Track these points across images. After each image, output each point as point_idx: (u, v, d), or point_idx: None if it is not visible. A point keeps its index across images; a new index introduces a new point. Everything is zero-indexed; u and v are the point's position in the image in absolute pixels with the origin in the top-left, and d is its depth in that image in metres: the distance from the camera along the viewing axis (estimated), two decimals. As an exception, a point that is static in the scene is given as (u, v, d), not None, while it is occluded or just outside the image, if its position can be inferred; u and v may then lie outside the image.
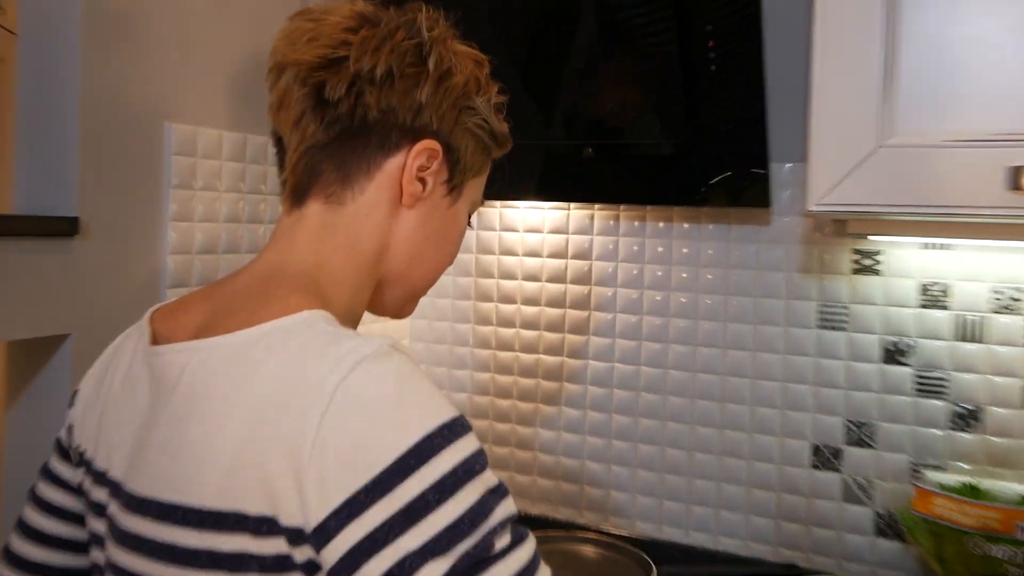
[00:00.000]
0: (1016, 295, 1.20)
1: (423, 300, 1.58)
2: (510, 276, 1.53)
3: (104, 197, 1.02)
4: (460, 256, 1.59)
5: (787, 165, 1.30)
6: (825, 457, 1.31)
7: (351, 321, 0.70)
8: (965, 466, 1.22)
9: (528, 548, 0.55)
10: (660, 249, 1.41)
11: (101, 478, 0.64)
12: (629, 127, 1.29)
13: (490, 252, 1.55)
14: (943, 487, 1.14)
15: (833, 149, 1.01)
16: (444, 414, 0.54)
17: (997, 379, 1.21)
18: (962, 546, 1.09)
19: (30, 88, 1.02)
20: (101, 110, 1.01)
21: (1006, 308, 1.20)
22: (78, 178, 0.99)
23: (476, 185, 0.78)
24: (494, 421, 1.56)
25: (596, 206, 1.45)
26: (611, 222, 1.45)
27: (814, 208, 1.02)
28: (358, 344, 0.56)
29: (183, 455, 0.56)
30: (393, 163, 0.69)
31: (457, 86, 0.70)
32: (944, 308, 1.23)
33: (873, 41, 0.99)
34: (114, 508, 0.61)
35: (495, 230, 1.54)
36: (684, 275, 1.39)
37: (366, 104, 0.66)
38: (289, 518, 0.51)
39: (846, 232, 1.27)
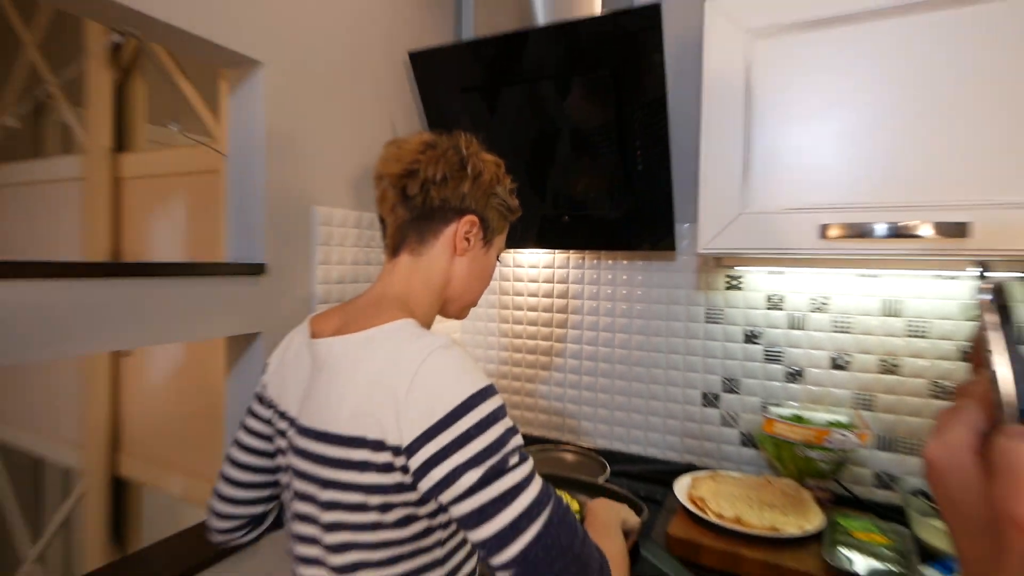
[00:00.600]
0: (824, 300, 1.19)
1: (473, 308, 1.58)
2: (520, 293, 1.53)
3: (279, 250, 1.03)
4: (492, 282, 1.61)
5: (685, 224, 1.30)
6: (710, 399, 1.31)
7: (427, 325, 0.70)
8: (794, 404, 1.22)
9: (529, 464, 0.56)
10: (610, 276, 1.41)
11: (283, 415, 0.66)
12: (591, 203, 1.28)
13: (508, 280, 1.55)
14: (781, 416, 1.14)
15: (713, 215, 1.01)
16: (483, 382, 0.56)
17: (813, 352, 1.21)
18: (792, 452, 1.10)
19: (233, 186, 1.03)
20: (276, 199, 1.02)
21: (818, 308, 1.20)
22: (264, 239, 1.00)
23: (501, 240, 0.78)
24: (511, 380, 1.55)
25: (571, 252, 1.45)
26: (581, 261, 1.44)
27: (701, 251, 1.02)
28: (433, 339, 0.58)
29: (329, 403, 0.59)
30: (450, 230, 0.70)
31: (485, 181, 0.71)
32: (780, 309, 1.23)
33: (736, 150, 0.99)
34: (291, 433, 0.64)
35: (510, 267, 1.54)
36: (624, 292, 1.39)
37: (432, 197, 0.67)
38: (393, 440, 0.54)
39: (721, 265, 1.28)
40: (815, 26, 0.91)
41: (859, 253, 0.90)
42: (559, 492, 1.09)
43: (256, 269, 0.98)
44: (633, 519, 0.84)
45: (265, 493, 0.74)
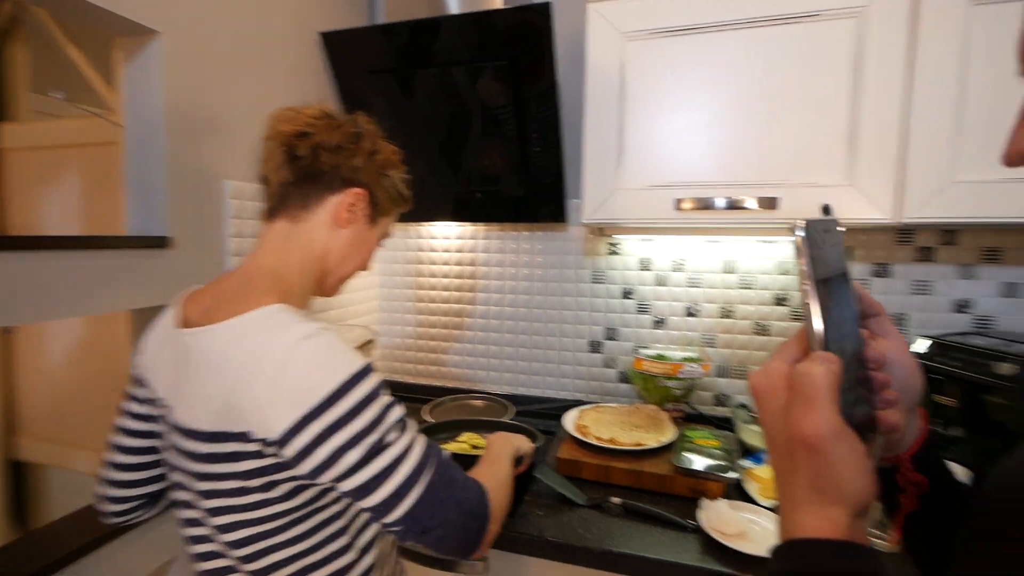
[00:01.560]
0: (681, 262, 1.30)
1: (391, 274, 1.55)
2: (435, 262, 1.53)
3: (186, 224, 0.96)
4: (408, 249, 1.58)
5: (574, 200, 1.34)
6: (595, 346, 1.39)
7: (302, 299, 0.64)
8: (658, 345, 1.33)
9: (409, 434, 0.54)
10: (514, 245, 1.44)
11: (158, 401, 0.60)
12: (499, 180, 1.30)
13: (424, 251, 1.53)
14: (647, 356, 1.23)
15: (593, 191, 1.07)
16: (356, 365, 0.51)
17: (673, 303, 1.32)
18: (655, 383, 1.21)
19: (132, 159, 0.94)
20: (180, 172, 0.95)
21: (677, 268, 1.30)
22: (167, 213, 0.93)
23: (386, 223, 0.72)
24: (428, 340, 1.55)
25: (480, 224, 1.47)
26: (489, 232, 1.46)
27: (585, 222, 1.09)
28: (300, 328, 0.52)
29: (195, 399, 0.53)
30: (335, 199, 0.64)
31: (380, 161, 0.66)
32: (649, 270, 1.32)
33: (612, 135, 1.05)
34: (165, 425, 0.59)
35: (425, 238, 1.52)
36: (525, 259, 1.43)
37: (321, 161, 0.62)
38: (260, 434, 0.50)
39: (603, 234, 1.35)
40: (674, 33, 1.00)
41: (705, 222, 1.03)
42: (466, 435, 1.13)
43: (159, 242, 0.91)
44: (527, 446, 0.87)
45: (157, 472, 0.66)
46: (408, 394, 1.50)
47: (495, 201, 1.34)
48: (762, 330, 1.28)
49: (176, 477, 0.59)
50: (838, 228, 0.34)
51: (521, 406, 1.38)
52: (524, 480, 1.00)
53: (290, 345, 0.50)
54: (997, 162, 0.35)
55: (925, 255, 1.16)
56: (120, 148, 0.98)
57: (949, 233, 1.14)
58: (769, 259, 1.26)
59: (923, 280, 1.16)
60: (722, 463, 0.96)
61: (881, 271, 1.19)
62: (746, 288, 1.28)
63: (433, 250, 1.53)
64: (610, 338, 1.39)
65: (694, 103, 1.00)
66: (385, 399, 0.54)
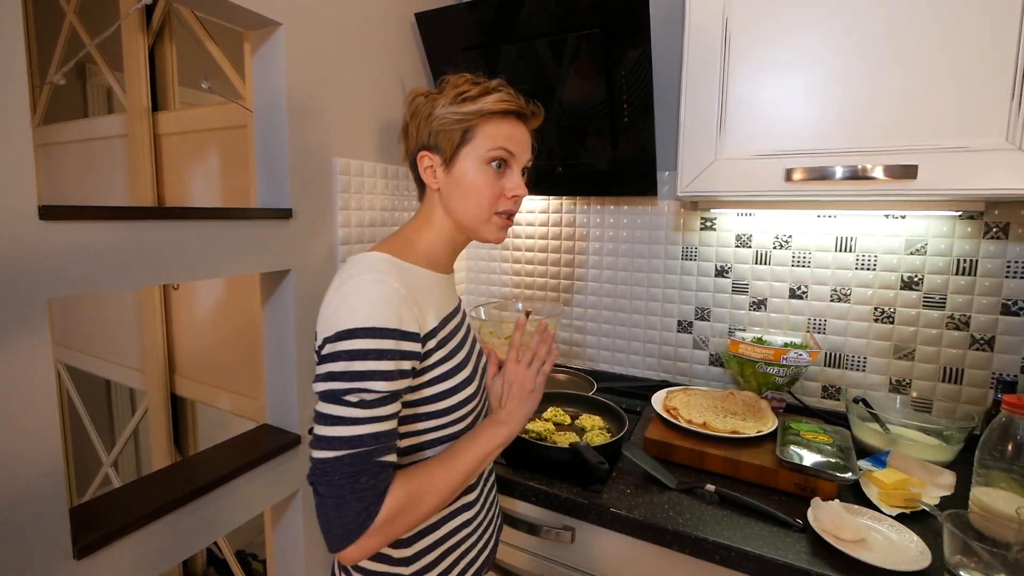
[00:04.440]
0: (786, 239, 1.18)
1: (476, 246, 1.56)
2: (520, 236, 1.51)
3: (304, 197, 1.02)
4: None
5: (666, 172, 1.28)
6: (684, 326, 1.32)
7: (432, 255, 0.66)
8: (757, 329, 1.24)
9: (362, 411, 0.52)
10: (599, 219, 1.39)
11: None
12: (583, 155, 1.24)
13: (516, 223, 1.53)
14: (744, 339, 1.15)
15: (690, 162, 0.99)
16: (366, 323, 0.52)
17: (775, 284, 1.21)
18: (753, 369, 1.11)
19: (260, 140, 1.01)
20: (298, 151, 1.00)
21: (780, 246, 1.19)
22: (289, 188, 0.99)
23: (471, 149, 0.62)
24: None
25: (565, 198, 1.43)
26: (573, 206, 1.42)
27: (680, 195, 1.00)
28: (358, 272, 0.56)
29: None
30: (420, 172, 0.66)
31: (423, 113, 0.64)
32: (748, 247, 1.22)
33: (713, 101, 0.96)
34: None
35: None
36: (611, 233, 1.37)
37: (407, 151, 0.68)
38: (319, 340, 0.56)
39: (697, 208, 1.26)
40: (789, -18, 0.88)
41: (819, 195, 0.90)
42: (551, 410, 1.11)
43: (284, 214, 0.98)
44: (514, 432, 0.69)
45: None
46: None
47: (578, 174, 1.29)
48: (885, 317, 1.12)
49: None
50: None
51: (604, 383, 1.34)
52: (612, 455, 0.98)
53: (342, 283, 0.56)
54: None
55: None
56: (250, 131, 1.05)
57: None
58: (895, 236, 1.09)
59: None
60: (835, 460, 0.85)
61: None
62: (865, 269, 1.12)
63: (517, 223, 1.51)
64: (701, 318, 1.30)
65: (809, 59, 0.88)
66: (371, 365, 0.52)
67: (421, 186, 0.69)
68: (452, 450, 0.61)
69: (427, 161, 0.65)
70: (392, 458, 0.54)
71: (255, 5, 0.89)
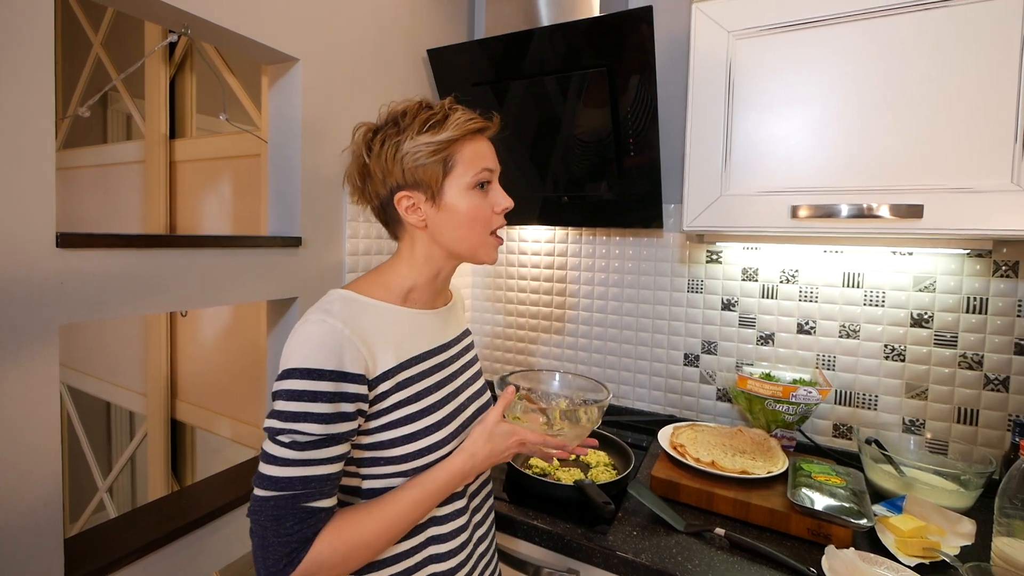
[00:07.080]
0: (792, 273, 1.17)
1: (479, 274, 1.56)
2: (524, 265, 1.51)
3: (314, 225, 1.03)
4: (499, 255, 1.58)
5: (672, 205, 1.29)
6: (690, 360, 1.30)
7: (431, 280, 0.65)
8: (764, 364, 1.22)
9: (292, 452, 0.50)
10: (604, 251, 1.39)
11: None
12: (588, 186, 1.25)
13: (513, 253, 1.52)
14: (752, 374, 1.13)
15: (696, 197, 1.00)
16: (304, 363, 0.51)
17: (782, 318, 1.19)
18: (762, 405, 1.09)
19: (274, 168, 1.03)
20: (311, 180, 1.02)
21: (787, 280, 1.18)
22: (300, 216, 1.00)
23: (454, 178, 0.60)
24: (516, 342, 1.53)
25: (570, 229, 1.44)
26: (579, 237, 1.43)
27: (686, 228, 1.01)
28: (311, 310, 0.55)
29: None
30: (400, 215, 0.62)
31: (385, 155, 0.60)
32: (755, 281, 1.22)
33: (718, 139, 0.97)
34: None
35: (516, 241, 1.52)
36: (616, 264, 1.37)
37: (368, 196, 0.65)
38: None
39: (703, 241, 1.26)
40: (789, 28, 0.90)
41: (825, 232, 0.90)
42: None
43: (294, 242, 0.99)
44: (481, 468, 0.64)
45: None
46: (493, 394, 1.51)
47: (584, 205, 1.30)
48: (895, 355, 1.10)
49: None
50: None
51: (609, 416, 1.32)
52: (618, 493, 0.95)
53: (298, 323, 0.55)
54: None
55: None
56: (263, 160, 1.07)
57: None
58: (903, 273, 1.09)
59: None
60: (849, 506, 0.82)
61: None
62: (873, 305, 1.11)
63: (523, 253, 1.51)
64: (708, 352, 1.28)
65: (812, 101, 0.89)
66: (305, 406, 0.50)
67: (394, 225, 0.65)
68: (392, 493, 0.56)
69: (408, 201, 0.61)
70: (326, 503, 0.52)
71: (276, 43, 0.92)
